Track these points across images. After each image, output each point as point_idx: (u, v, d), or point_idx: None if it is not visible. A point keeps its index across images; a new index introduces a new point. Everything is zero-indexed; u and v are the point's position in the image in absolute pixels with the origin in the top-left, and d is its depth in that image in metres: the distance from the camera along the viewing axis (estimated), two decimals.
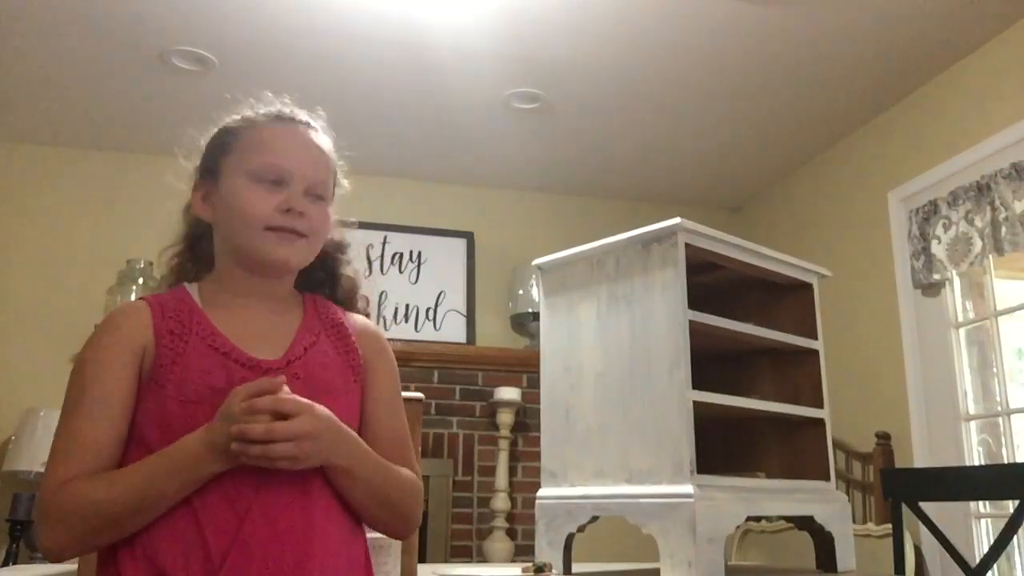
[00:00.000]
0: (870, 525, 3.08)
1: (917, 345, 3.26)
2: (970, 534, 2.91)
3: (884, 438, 3.21)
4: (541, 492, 1.70)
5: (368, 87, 3.37)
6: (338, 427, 1.01)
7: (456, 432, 3.88)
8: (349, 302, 1.23)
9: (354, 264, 1.28)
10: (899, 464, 3.17)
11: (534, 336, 3.99)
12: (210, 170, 1.13)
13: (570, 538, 1.63)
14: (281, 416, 0.95)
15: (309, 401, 0.98)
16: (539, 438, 1.76)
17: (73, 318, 3.51)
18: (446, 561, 3.62)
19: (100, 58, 3.16)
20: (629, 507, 1.50)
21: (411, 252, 4.19)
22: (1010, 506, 2.01)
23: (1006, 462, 2.86)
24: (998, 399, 2.95)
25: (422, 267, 4.18)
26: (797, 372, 1.82)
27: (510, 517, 3.75)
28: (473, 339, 4.11)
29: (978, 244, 2.92)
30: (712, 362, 1.75)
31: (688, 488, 1.42)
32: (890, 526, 2.40)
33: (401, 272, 4.15)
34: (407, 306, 4.10)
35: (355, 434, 1.05)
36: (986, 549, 2.13)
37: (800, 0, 2.78)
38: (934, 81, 3.26)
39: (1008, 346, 2.97)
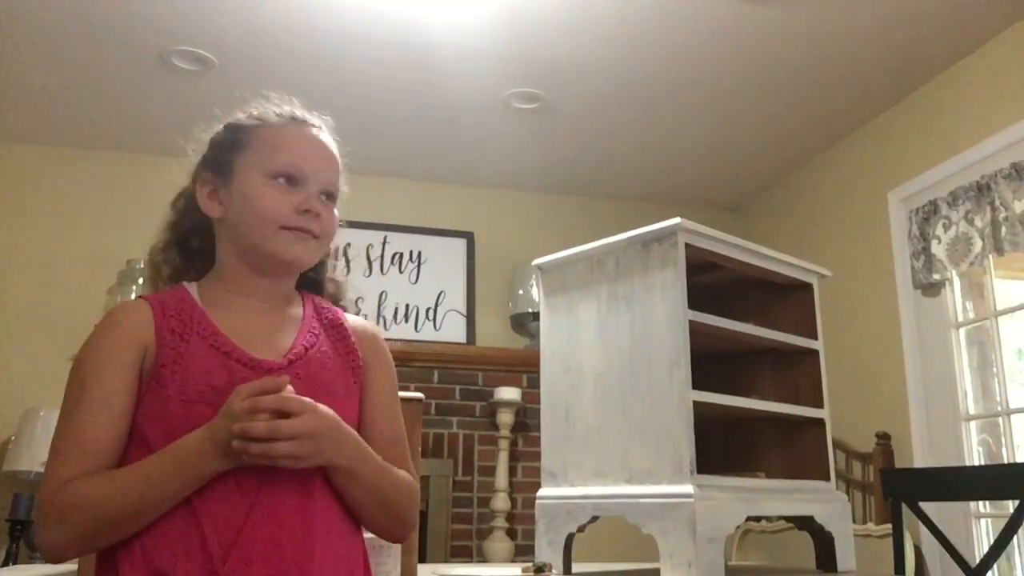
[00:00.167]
0: (870, 525, 3.08)
1: (917, 345, 3.26)
2: (970, 534, 2.91)
3: (884, 438, 3.21)
4: (541, 492, 1.70)
5: (368, 87, 3.37)
6: (340, 427, 1.02)
7: (456, 432, 3.88)
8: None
9: (341, 269, 1.28)
10: (899, 464, 3.17)
11: (534, 336, 3.99)
12: (220, 166, 1.12)
13: (570, 538, 1.63)
14: (283, 415, 0.95)
15: (312, 400, 0.98)
16: (539, 438, 1.76)
17: (73, 318, 3.51)
18: (446, 561, 3.62)
19: (100, 58, 3.16)
20: (629, 507, 1.50)
21: (411, 252, 4.19)
22: (1010, 506, 2.01)
23: (1006, 462, 2.86)
24: (998, 399, 2.95)
25: (422, 267, 4.18)
26: (797, 372, 1.82)
27: (510, 517, 3.75)
28: (473, 339, 4.11)
29: (978, 244, 2.92)
30: (712, 362, 1.75)
31: (688, 488, 1.42)
32: (890, 526, 2.40)
33: (401, 272, 4.15)
34: (407, 306, 4.10)
35: (357, 435, 1.05)
36: (986, 549, 2.13)
37: (800, 0, 2.78)
38: (934, 81, 3.26)
39: (1008, 346, 2.97)
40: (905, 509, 2.19)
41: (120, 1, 2.82)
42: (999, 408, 2.94)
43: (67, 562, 1.02)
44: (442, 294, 4.15)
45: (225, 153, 1.13)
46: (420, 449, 1.55)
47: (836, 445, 3.36)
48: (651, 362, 1.54)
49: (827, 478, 1.75)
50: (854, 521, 2.33)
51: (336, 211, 1.16)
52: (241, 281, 1.11)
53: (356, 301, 1.29)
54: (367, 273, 4.10)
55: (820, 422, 1.77)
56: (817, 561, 1.73)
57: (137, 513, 0.95)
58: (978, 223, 2.93)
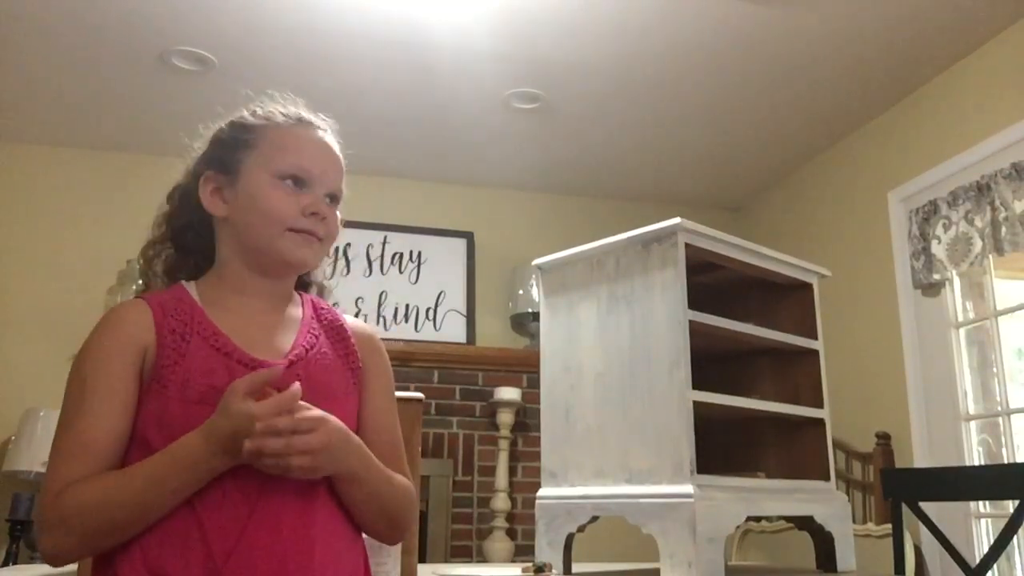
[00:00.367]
0: (870, 525, 3.08)
1: (917, 345, 3.26)
2: (970, 534, 2.91)
3: (884, 438, 3.21)
4: (541, 492, 1.70)
5: (368, 87, 3.37)
6: (348, 437, 1.02)
7: (456, 432, 3.88)
8: None
9: (328, 273, 1.28)
10: (899, 464, 3.17)
11: (534, 336, 3.99)
12: (225, 164, 1.11)
13: (570, 538, 1.63)
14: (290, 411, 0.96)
15: (323, 414, 0.99)
16: (539, 438, 1.76)
17: (73, 318, 3.50)
18: (446, 561, 3.62)
19: (100, 58, 3.16)
20: (629, 507, 1.50)
21: (411, 252, 4.19)
22: (1010, 506, 2.01)
23: (1006, 462, 2.86)
24: (998, 399, 2.95)
25: (422, 267, 4.18)
26: (797, 372, 1.82)
27: (510, 517, 3.75)
28: (473, 339, 4.11)
29: (978, 244, 2.92)
30: (712, 362, 1.75)
31: (688, 488, 1.42)
32: (890, 526, 2.40)
33: (401, 272, 4.15)
34: (407, 306, 4.10)
35: (362, 443, 1.05)
36: (986, 549, 2.13)
37: (800, 0, 2.78)
38: (934, 81, 3.26)
39: (1008, 346, 2.97)
40: (905, 509, 2.19)
41: (120, 1, 2.82)
42: (999, 408, 2.94)
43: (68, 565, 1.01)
44: (442, 294, 4.15)
45: (231, 151, 1.12)
46: (420, 449, 1.55)
47: (836, 445, 3.36)
48: (651, 362, 1.54)
49: (827, 478, 1.75)
50: (854, 521, 2.33)
51: (339, 213, 1.16)
52: (242, 281, 1.11)
53: (356, 301, 1.29)
54: (367, 273, 4.10)
55: (820, 422, 1.77)
56: (817, 561, 1.73)
57: (139, 515, 0.95)
58: (978, 223, 2.93)
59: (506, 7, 2.84)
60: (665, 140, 3.84)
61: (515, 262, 4.15)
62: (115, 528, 0.95)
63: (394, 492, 1.09)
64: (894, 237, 3.40)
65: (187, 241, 1.16)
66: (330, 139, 1.16)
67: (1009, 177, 2.79)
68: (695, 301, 1.54)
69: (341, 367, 1.12)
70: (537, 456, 1.85)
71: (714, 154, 3.99)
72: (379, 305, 4.06)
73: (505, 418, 3.78)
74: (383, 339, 1.24)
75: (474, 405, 3.92)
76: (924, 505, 2.17)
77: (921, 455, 3.13)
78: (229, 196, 1.11)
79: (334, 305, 1.21)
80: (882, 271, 3.45)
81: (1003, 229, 2.80)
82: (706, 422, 1.58)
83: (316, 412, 0.98)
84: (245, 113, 1.15)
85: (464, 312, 4.14)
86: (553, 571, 1.60)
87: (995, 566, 2.02)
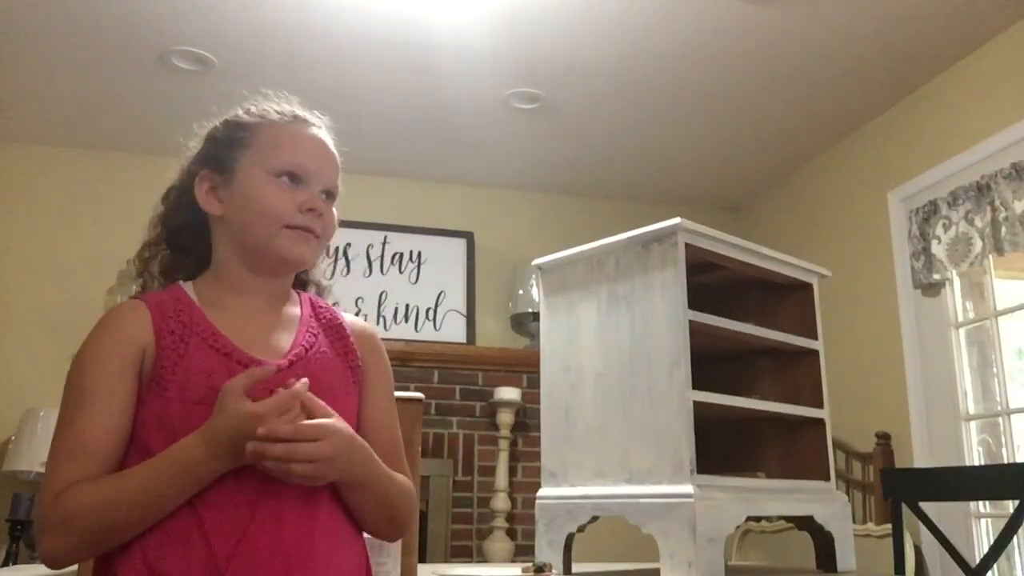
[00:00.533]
0: (870, 525, 3.08)
1: (917, 345, 3.26)
2: (970, 534, 2.91)
3: (884, 438, 3.21)
4: (541, 492, 1.70)
5: (368, 87, 3.37)
6: (353, 444, 1.01)
7: (456, 432, 3.88)
8: None
9: (326, 272, 1.27)
10: (899, 464, 3.17)
11: (534, 336, 3.99)
12: (220, 163, 1.11)
13: (570, 538, 1.63)
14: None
15: (331, 423, 0.98)
16: (539, 438, 1.76)
17: (73, 318, 3.50)
18: (446, 561, 3.62)
19: (100, 58, 3.16)
20: (629, 507, 1.50)
21: (411, 252, 4.19)
22: (1010, 506, 2.01)
23: (1006, 462, 2.86)
24: (998, 399, 2.95)
25: (422, 267, 4.18)
26: (797, 372, 1.82)
27: (510, 517, 3.75)
28: (473, 339, 4.11)
29: (978, 244, 2.92)
30: (712, 362, 1.75)
31: (688, 488, 1.42)
32: (890, 526, 2.40)
33: (401, 272, 4.15)
34: (407, 306, 4.10)
35: (368, 447, 1.05)
36: (986, 549, 2.13)
37: (801, 0, 2.78)
38: (934, 81, 3.26)
39: (1008, 346, 2.97)
40: (905, 509, 2.19)
41: (120, 1, 2.82)
42: (999, 408, 2.94)
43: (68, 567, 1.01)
44: (442, 294, 4.15)
45: (226, 150, 1.11)
46: (420, 449, 1.55)
47: (836, 445, 3.36)
48: (651, 362, 1.54)
49: (827, 478, 1.75)
50: (854, 521, 2.33)
51: (335, 210, 1.15)
52: (239, 280, 1.11)
53: (356, 301, 1.29)
54: (367, 273, 4.10)
55: (820, 422, 1.77)
56: (817, 561, 1.73)
57: (140, 516, 0.94)
58: (978, 223, 2.93)
59: (506, 7, 2.84)
60: (665, 140, 3.84)
61: (515, 262, 4.15)
62: (116, 529, 0.94)
63: (396, 492, 1.09)
64: (894, 237, 3.40)
65: (183, 241, 1.15)
66: (325, 136, 1.16)
67: (1009, 177, 2.79)
68: (695, 301, 1.54)
69: (341, 366, 1.12)
70: (537, 456, 1.85)
71: (714, 154, 3.99)
72: (379, 305, 4.06)
73: (505, 418, 3.78)
74: (383, 339, 1.23)
75: (474, 405, 3.92)
76: (924, 505, 2.17)
77: (921, 455, 3.13)
78: (225, 195, 1.10)
79: (334, 305, 1.21)
80: (882, 271, 3.45)
81: (1003, 229, 2.80)
82: (706, 422, 1.58)
83: (324, 421, 0.98)
84: (239, 111, 1.15)
85: (464, 312, 4.14)
86: (553, 571, 1.60)
87: (995, 566, 2.02)
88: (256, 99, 1.16)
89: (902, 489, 2.21)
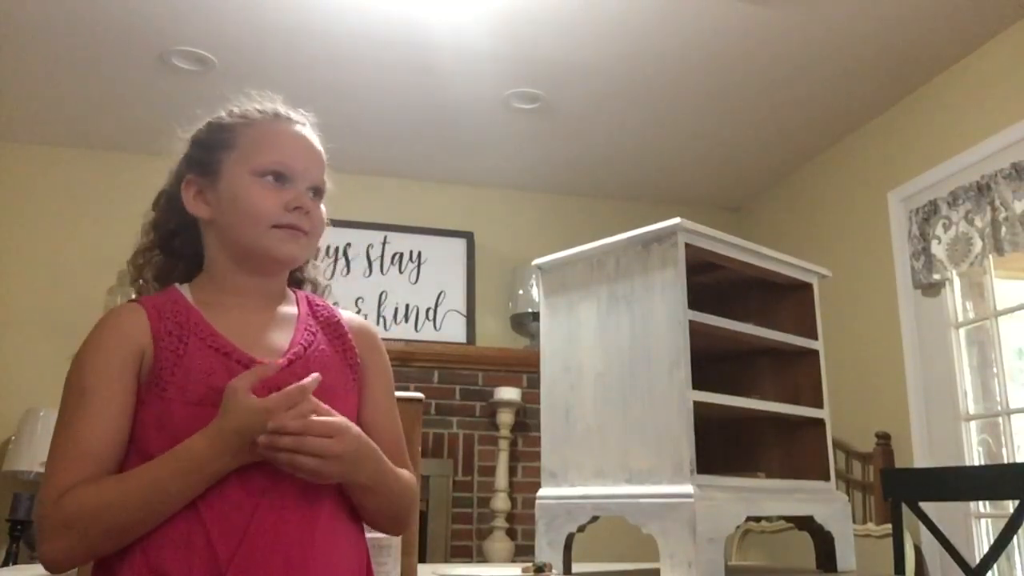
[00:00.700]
0: (870, 525, 3.08)
1: (917, 345, 3.26)
2: (970, 534, 2.91)
3: (884, 438, 3.21)
4: (541, 492, 1.70)
5: (368, 87, 3.37)
6: (362, 447, 1.02)
7: (456, 432, 3.88)
8: None
9: (324, 271, 1.27)
10: (899, 464, 3.17)
11: (534, 336, 3.99)
12: (205, 166, 1.11)
13: (570, 538, 1.63)
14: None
15: (343, 421, 0.99)
16: (539, 438, 1.76)
17: (73, 318, 3.49)
18: (446, 561, 3.62)
19: (100, 58, 3.16)
20: (629, 507, 1.50)
21: (411, 252, 4.19)
22: (1010, 506, 2.01)
23: (1006, 462, 2.86)
24: (998, 399, 2.95)
25: (422, 267, 4.18)
26: (797, 372, 1.82)
27: (510, 517, 3.75)
28: (473, 339, 4.11)
29: (978, 244, 2.92)
30: (712, 362, 1.75)
31: (688, 488, 1.42)
32: (890, 526, 2.40)
33: (401, 272, 4.15)
34: (407, 306, 4.10)
35: (377, 449, 1.05)
36: (986, 549, 2.13)
37: (801, 0, 2.78)
38: (934, 81, 3.26)
39: (1008, 346, 2.97)
40: (905, 509, 2.19)
41: (120, 1, 2.82)
42: (999, 408, 2.94)
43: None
44: (442, 294, 4.15)
45: (209, 153, 1.11)
46: (420, 449, 1.55)
47: (836, 445, 3.36)
48: (651, 362, 1.54)
49: (827, 478, 1.75)
50: (854, 521, 2.33)
51: (323, 207, 1.15)
52: (233, 282, 1.11)
53: (356, 301, 1.29)
54: (367, 273, 4.10)
55: (820, 422, 1.77)
56: (817, 561, 1.73)
57: (143, 518, 0.94)
58: (978, 223, 2.93)
59: (506, 7, 2.84)
60: (665, 140, 3.84)
61: (515, 262, 4.15)
62: (119, 531, 0.94)
63: (401, 492, 1.10)
64: (894, 237, 3.40)
65: (176, 246, 1.16)
66: (309, 133, 1.15)
67: (1009, 177, 2.79)
68: (695, 301, 1.54)
69: (340, 363, 1.12)
70: (537, 456, 1.85)
71: (714, 154, 3.99)
72: (379, 305, 4.06)
73: (505, 418, 3.78)
74: (383, 339, 1.23)
75: (474, 405, 3.92)
76: (924, 505, 2.17)
77: (921, 455, 3.13)
78: (211, 198, 1.10)
79: (334, 304, 1.21)
80: (882, 271, 3.45)
81: (1003, 229, 2.80)
82: (706, 422, 1.58)
83: (336, 419, 0.98)
84: (222, 113, 1.15)
85: (464, 312, 4.14)
86: (553, 571, 1.60)
87: (995, 566, 2.02)
88: (239, 100, 1.16)
89: (902, 489, 2.21)
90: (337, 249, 4.06)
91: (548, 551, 1.64)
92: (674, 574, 1.39)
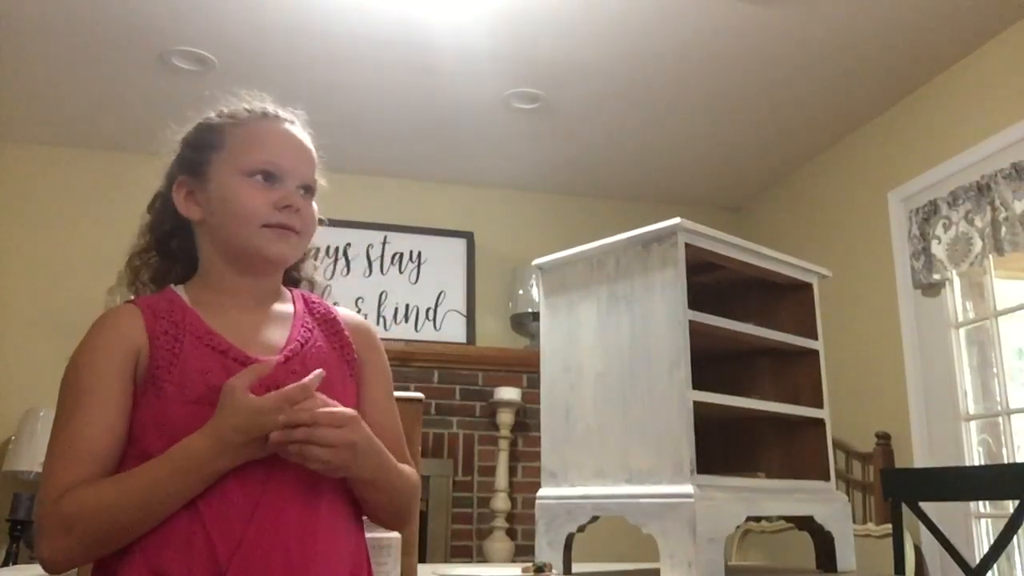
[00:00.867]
0: (870, 525, 3.08)
1: (917, 345, 3.26)
2: (970, 534, 2.91)
3: (884, 438, 3.21)
4: (541, 492, 1.70)
5: (368, 87, 3.37)
6: (369, 442, 1.02)
7: (456, 432, 3.88)
8: None
9: (320, 269, 1.27)
10: (899, 464, 3.17)
11: (534, 336, 3.99)
12: (195, 167, 1.11)
13: (570, 538, 1.63)
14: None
15: (352, 412, 0.99)
16: (539, 438, 1.76)
17: (73, 318, 3.47)
18: (446, 561, 3.62)
19: (100, 58, 3.16)
20: (629, 507, 1.50)
21: (411, 252, 4.19)
22: (1010, 506, 2.01)
23: (1006, 462, 2.86)
24: (998, 399, 2.95)
25: (422, 267, 4.18)
26: (797, 372, 1.82)
27: (510, 517, 3.75)
28: (473, 339, 4.11)
29: (978, 244, 2.92)
30: (712, 362, 1.75)
31: (688, 488, 1.42)
32: (890, 526, 2.40)
33: (401, 272, 4.15)
34: (407, 306, 4.10)
35: (380, 444, 1.05)
36: (986, 549, 2.13)
37: (801, 0, 2.78)
38: (934, 81, 3.26)
39: (1008, 346, 2.97)
40: (905, 509, 2.19)
41: (120, 1, 2.82)
42: (999, 408, 2.94)
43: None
44: (442, 294, 4.15)
45: (199, 154, 1.11)
46: (420, 449, 1.55)
47: (836, 445, 3.36)
48: (651, 362, 1.54)
49: (827, 478, 1.75)
50: (854, 521, 2.33)
51: (315, 205, 1.15)
52: (227, 282, 1.11)
53: (356, 301, 1.29)
54: (367, 273, 4.10)
55: (820, 422, 1.77)
56: (817, 561, 1.73)
57: (143, 518, 0.94)
58: (978, 223, 2.93)
59: (506, 7, 2.84)
60: (665, 140, 3.84)
61: (515, 262, 4.15)
62: (118, 532, 0.94)
63: (403, 487, 1.10)
64: (894, 237, 3.40)
65: (171, 248, 1.16)
66: (298, 131, 1.15)
67: (1009, 177, 2.79)
68: (695, 301, 1.54)
69: (337, 359, 1.12)
70: (537, 456, 1.85)
71: (714, 154, 3.99)
72: (379, 305, 4.06)
73: (505, 418, 3.78)
74: (383, 339, 1.24)
75: (474, 405, 3.92)
76: (924, 505, 2.17)
77: (921, 455, 3.13)
78: (202, 199, 1.10)
79: (333, 304, 1.21)
80: (882, 271, 3.45)
81: (1003, 229, 2.80)
82: (706, 422, 1.58)
83: (345, 410, 0.99)
84: (211, 114, 1.15)
85: (464, 312, 4.14)
86: (553, 571, 1.60)
87: (995, 566, 2.02)
88: (229, 100, 1.16)
89: (902, 489, 2.21)
90: (337, 249, 4.06)
91: (548, 551, 1.64)
92: (674, 574, 1.39)
